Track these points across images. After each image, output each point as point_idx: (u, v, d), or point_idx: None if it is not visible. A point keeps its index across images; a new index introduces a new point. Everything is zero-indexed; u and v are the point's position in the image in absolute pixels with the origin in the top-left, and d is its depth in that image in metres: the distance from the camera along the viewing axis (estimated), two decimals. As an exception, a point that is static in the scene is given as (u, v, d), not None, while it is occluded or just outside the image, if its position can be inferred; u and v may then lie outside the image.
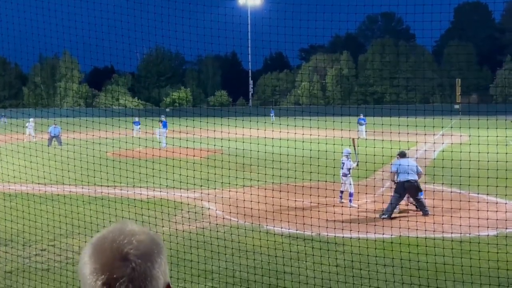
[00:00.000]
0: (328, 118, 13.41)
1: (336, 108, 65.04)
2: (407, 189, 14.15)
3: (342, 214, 13.11)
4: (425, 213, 13.96)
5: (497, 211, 11.14)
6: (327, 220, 12.28)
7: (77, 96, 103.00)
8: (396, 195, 14.17)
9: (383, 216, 13.82)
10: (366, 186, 15.66)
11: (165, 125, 32.79)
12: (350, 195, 15.75)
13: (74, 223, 12.16)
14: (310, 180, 13.99)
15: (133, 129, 39.11)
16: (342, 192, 16.01)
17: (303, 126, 12.98)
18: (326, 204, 14.48)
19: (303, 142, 13.50)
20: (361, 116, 37.77)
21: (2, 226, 12.02)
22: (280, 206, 12.61)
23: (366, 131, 35.82)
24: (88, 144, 16.97)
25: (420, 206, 14.24)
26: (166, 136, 31.26)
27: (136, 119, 41.35)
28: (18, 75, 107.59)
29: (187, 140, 12.53)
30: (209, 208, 14.75)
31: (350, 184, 15.80)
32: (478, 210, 12.42)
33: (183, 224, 12.55)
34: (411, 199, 15.04)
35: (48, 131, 34.28)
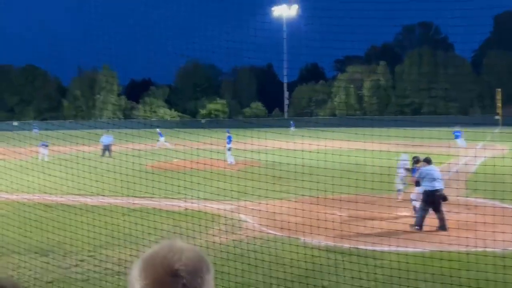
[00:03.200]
0: (365, 129, 13.30)
1: (373, 119, 64.48)
2: (436, 198, 13.76)
3: (379, 227, 12.94)
4: (443, 228, 13.45)
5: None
6: (364, 233, 12.15)
7: (115, 108, 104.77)
8: (423, 204, 13.81)
9: (416, 227, 13.54)
10: (403, 199, 15.49)
11: (229, 140, 31.22)
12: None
13: (113, 234, 12.32)
14: (348, 192, 13.87)
15: (158, 140, 39.18)
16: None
17: (350, 133, 12.89)
18: (363, 217, 14.31)
19: (339, 154, 13.41)
20: (457, 129, 36.86)
21: (43, 237, 12.26)
22: (317, 218, 12.52)
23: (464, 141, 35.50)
24: (127, 156, 17.21)
25: (441, 219, 13.70)
26: (230, 149, 29.68)
27: (158, 130, 41.56)
28: (58, 88, 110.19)
29: (218, 152, 12.57)
30: (245, 221, 14.76)
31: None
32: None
33: (219, 236, 12.58)
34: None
35: (100, 141, 33.82)
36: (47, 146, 32.03)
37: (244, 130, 23.23)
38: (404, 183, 18.03)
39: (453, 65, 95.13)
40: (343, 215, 14.07)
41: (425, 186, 13.83)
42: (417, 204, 15.06)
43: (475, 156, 26.71)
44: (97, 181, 15.43)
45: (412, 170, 15.59)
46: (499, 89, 74.56)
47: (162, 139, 40.21)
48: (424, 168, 14.17)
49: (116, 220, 12.99)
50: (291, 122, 67.51)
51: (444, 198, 13.74)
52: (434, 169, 14.08)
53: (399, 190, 17.92)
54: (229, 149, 29.27)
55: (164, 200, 16.55)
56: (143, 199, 16.45)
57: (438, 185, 13.73)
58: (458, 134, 36.00)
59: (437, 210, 13.79)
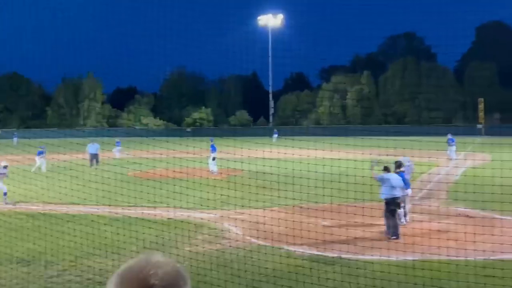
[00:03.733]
0: (348, 138, 13.37)
1: (357, 128, 64.89)
2: (394, 206, 13.86)
3: (363, 235, 12.99)
4: (397, 236, 13.51)
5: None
6: (347, 241, 12.20)
7: (99, 117, 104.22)
8: (388, 213, 13.92)
9: (393, 238, 13.58)
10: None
11: (213, 149, 30.90)
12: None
13: (95, 244, 12.24)
14: (331, 201, 13.93)
15: (113, 150, 38.46)
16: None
17: (331, 143, 12.96)
18: (347, 226, 14.36)
19: (330, 160, 13.47)
20: (450, 136, 36.94)
21: (24, 247, 12.13)
22: (300, 229, 12.55)
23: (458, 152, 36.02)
24: (110, 164, 17.12)
25: (394, 227, 13.74)
26: (214, 158, 29.22)
27: (117, 139, 40.93)
28: (42, 96, 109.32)
29: (200, 162, 12.58)
30: (228, 230, 14.73)
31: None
32: (502, 234, 12.21)
33: (204, 245, 12.54)
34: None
35: (87, 149, 33.34)
36: (43, 153, 30.95)
37: (229, 139, 23.23)
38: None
39: (436, 75, 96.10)
40: (326, 224, 14.10)
41: (384, 194, 13.91)
42: (401, 210, 15.13)
43: (456, 167, 26.96)
44: (78, 190, 15.34)
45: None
46: (481, 99, 75.43)
47: (116, 148, 39.77)
48: (385, 176, 14.24)
49: (98, 229, 12.91)
50: (274, 131, 67.52)
51: (399, 206, 13.85)
52: (393, 177, 14.15)
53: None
54: (213, 159, 29.10)
55: (147, 209, 16.47)
56: (125, 208, 16.35)
57: (396, 193, 13.84)
58: (453, 142, 36.00)
59: (394, 216, 13.90)
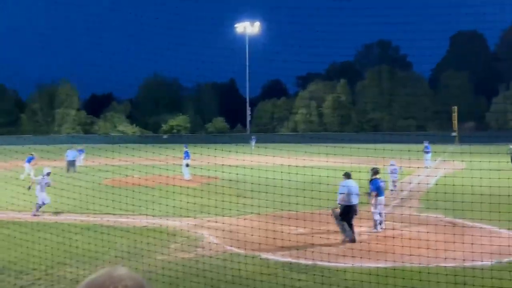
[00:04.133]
0: (327, 145, 13.43)
1: (334, 135, 65.24)
2: (351, 213, 14.00)
3: (338, 242, 13.04)
4: (353, 240, 13.71)
5: (491, 239, 11.11)
6: (323, 248, 12.23)
7: (75, 123, 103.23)
8: (340, 218, 14.04)
9: (347, 239, 13.70)
10: (368, 211, 15.67)
11: (187, 155, 30.82)
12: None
13: (66, 253, 12.07)
14: (311, 207, 13.95)
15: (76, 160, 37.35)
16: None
17: (305, 152, 13.00)
18: (323, 233, 14.41)
19: (304, 168, 13.50)
20: (426, 144, 37.22)
21: (-4, 255, 11.92)
22: (276, 235, 12.53)
23: (434, 160, 36.45)
24: (86, 171, 16.95)
25: (349, 232, 13.95)
26: (188, 165, 29.18)
27: (79, 147, 40.35)
28: (16, 102, 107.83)
29: (174, 170, 12.53)
30: (205, 236, 14.66)
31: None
32: (473, 242, 12.36)
33: (178, 253, 12.45)
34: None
35: (66, 156, 33.08)
36: (33, 159, 30.41)
37: (206, 146, 23.17)
38: (395, 185, 22.83)
39: (411, 83, 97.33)
40: (300, 231, 14.12)
41: (343, 200, 14.02)
42: (377, 217, 15.26)
43: (429, 176, 27.26)
44: (55, 195, 15.15)
45: (370, 182, 15.69)
46: (455, 107, 76.49)
47: (79, 156, 39.33)
48: (343, 183, 14.33)
49: (70, 239, 12.75)
50: (252, 138, 67.56)
51: (356, 213, 14.01)
52: (352, 184, 14.28)
53: (392, 190, 22.01)
54: (187, 165, 28.96)
55: (120, 217, 16.31)
56: (98, 216, 16.18)
57: (354, 200, 13.98)
58: (429, 149, 36.33)
59: (349, 223, 14.07)
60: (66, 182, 15.05)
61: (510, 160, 32.55)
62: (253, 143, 63.55)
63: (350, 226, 14.10)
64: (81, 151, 39.83)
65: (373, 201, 15.47)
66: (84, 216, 15.60)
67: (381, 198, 15.57)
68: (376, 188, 15.45)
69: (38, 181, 17.77)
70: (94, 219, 15.54)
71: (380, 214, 15.43)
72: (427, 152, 35.98)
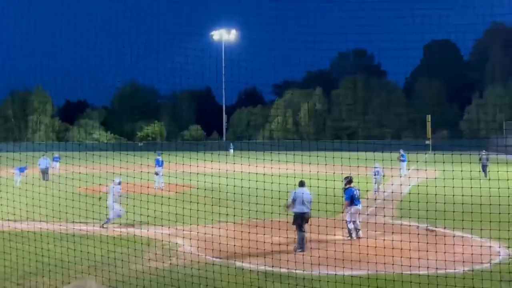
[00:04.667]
0: (302, 153, 13.49)
1: (310, 143, 65.55)
2: (303, 220, 14.06)
3: (312, 251, 13.07)
4: (302, 249, 13.81)
5: (464, 247, 11.24)
6: (299, 256, 12.25)
7: (49, 130, 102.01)
8: (296, 227, 14.12)
9: (299, 250, 13.74)
10: (342, 220, 15.74)
11: (159, 163, 30.61)
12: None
13: (44, 260, 11.90)
14: (286, 215, 13.98)
15: (52, 167, 36.94)
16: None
17: (279, 161, 13.03)
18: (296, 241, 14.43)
19: (279, 176, 13.53)
20: (402, 152, 37.60)
21: (-33, 265, 11.69)
22: (252, 243, 12.52)
23: (408, 169, 37.03)
24: (60, 179, 16.73)
25: (301, 241, 14.06)
26: (162, 175, 29.50)
27: (56, 154, 39.90)
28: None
29: (148, 180, 12.43)
30: (181, 245, 14.58)
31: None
32: (445, 250, 12.50)
33: (152, 262, 12.35)
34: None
35: (38, 164, 32.78)
36: (23, 170, 30.28)
37: (181, 153, 23.08)
38: (378, 187, 26.11)
39: (386, 92, 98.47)
40: (276, 239, 14.14)
41: (295, 208, 14.09)
42: (351, 225, 15.36)
43: (402, 184, 27.52)
44: (26, 204, 14.91)
45: (344, 191, 15.78)
46: (429, 115, 77.54)
47: (54, 163, 38.96)
48: (297, 191, 14.36)
49: (48, 245, 12.56)
50: (230, 145, 67.69)
51: (306, 221, 14.08)
52: (306, 192, 14.34)
53: (375, 191, 25.51)
54: (156, 173, 28.77)
55: (95, 226, 16.13)
56: (75, 223, 15.99)
57: (305, 208, 14.04)
58: (404, 157, 36.71)
59: (300, 231, 14.11)
60: (38, 191, 14.83)
61: (480, 169, 33.14)
62: (231, 150, 63.76)
63: (302, 234, 14.10)
64: (56, 158, 39.30)
65: (346, 210, 15.53)
66: (57, 225, 15.38)
67: (356, 207, 15.61)
68: (349, 197, 15.52)
69: (109, 191, 17.12)
70: (67, 228, 15.34)
71: (355, 222, 15.49)
72: (402, 161, 36.38)
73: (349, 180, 15.80)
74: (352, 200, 15.50)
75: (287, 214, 14.32)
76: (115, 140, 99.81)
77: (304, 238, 14.02)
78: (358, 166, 12.53)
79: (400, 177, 33.04)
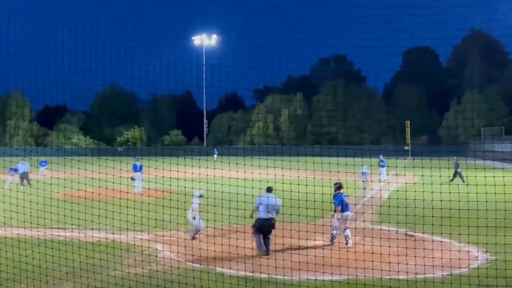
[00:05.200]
0: (283, 158, 13.50)
1: (291, 148, 65.72)
2: (265, 227, 14.07)
3: (293, 256, 13.07)
4: (267, 253, 13.86)
5: (442, 252, 11.35)
6: (280, 262, 12.26)
7: (27, 135, 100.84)
8: (255, 231, 14.14)
9: (263, 252, 13.77)
10: (323, 225, 15.77)
11: (136, 168, 30.20)
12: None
13: (21, 266, 11.74)
14: (251, 218, 13.96)
15: (37, 172, 36.53)
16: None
17: (259, 166, 13.03)
18: (281, 246, 14.44)
19: (259, 181, 13.53)
20: (381, 158, 37.92)
21: None
22: (232, 248, 12.49)
23: (387, 174, 37.37)
24: (38, 184, 16.53)
25: (267, 244, 14.09)
26: (141, 180, 29.15)
27: (43, 158, 39.69)
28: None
29: (127, 185, 12.36)
30: (161, 251, 14.49)
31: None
32: (424, 254, 12.61)
33: (131, 268, 12.25)
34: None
35: (16, 168, 32.44)
36: (17, 171, 30.45)
37: (161, 158, 22.98)
38: (365, 187, 29.49)
39: (366, 97, 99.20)
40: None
41: (259, 214, 14.11)
42: (336, 231, 15.31)
43: (381, 190, 27.71)
44: (4, 210, 14.71)
45: (334, 197, 15.66)
46: (408, 121, 78.29)
47: (41, 168, 38.57)
48: (263, 196, 14.33)
49: (25, 251, 12.39)
50: (214, 150, 67.67)
51: (272, 227, 14.10)
52: (272, 198, 14.35)
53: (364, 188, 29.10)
54: (132, 179, 28.50)
55: (74, 231, 15.94)
56: (54, 229, 15.80)
57: (270, 214, 14.06)
58: (384, 163, 37.06)
59: (266, 237, 14.16)
60: (16, 196, 14.64)
61: (452, 175, 33.66)
62: (215, 156, 63.77)
63: (267, 240, 14.10)
64: (43, 163, 38.78)
65: (337, 216, 15.43)
66: (35, 230, 15.18)
67: (347, 214, 15.50)
68: (339, 203, 15.40)
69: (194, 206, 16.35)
70: (45, 233, 15.15)
71: (345, 230, 15.34)
72: (382, 166, 36.73)
73: (338, 186, 15.69)
74: (342, 206, 15.44)
75: (251, 217, 14.30)
76: (95, 145, 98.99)
77: (261, 242, 13.99)
78: (338, 172, 12.60)
79: (380, 182, 33.27)
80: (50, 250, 12.61)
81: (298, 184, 14.22)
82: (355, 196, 24.58)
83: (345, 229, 15.32)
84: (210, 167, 13.53)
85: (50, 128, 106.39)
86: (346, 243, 15.08)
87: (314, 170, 14.93)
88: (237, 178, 13.72)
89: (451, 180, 31.51)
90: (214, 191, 13.51)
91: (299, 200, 13.21)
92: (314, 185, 12.52)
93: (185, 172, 13.76)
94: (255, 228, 14.12)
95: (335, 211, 15.58)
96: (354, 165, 14.25)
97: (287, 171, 13.93)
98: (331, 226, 15.63)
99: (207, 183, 13.51)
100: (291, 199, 14.31)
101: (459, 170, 33.63)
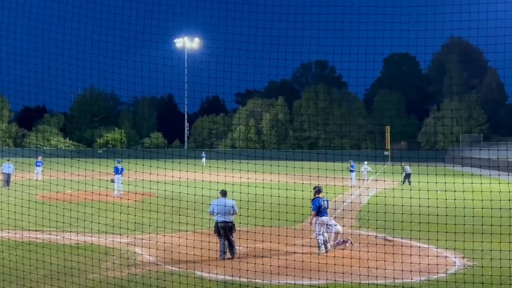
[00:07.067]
0: (264, 161, 13.52)
1: (272, 152, 65.84)
2: (222, 229, 14.09)
3: (274, 260, 13.09)
4: (233, 256, 13.92)
5: (420, 257, 11.45)
6: (261, 266, 12.26)
7: (5, 136, 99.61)
8: (218, 236, 14.20)
9: (222, 257, 13.79)
10: (302, 230, 15.82)
11: (117, 171, 30.30)
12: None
13: (-4, 270, 11.59)
14: (246, 224, 14.00)
15: (35, 172, 35.46)
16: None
17: (240, 170, 13.05)
18: (263, 250, 14.45)
19: (240, 185, 13.53)
20: (352, 163, 38.44)
21: None
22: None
23: (361, 179, 38.69)
24: (16, 186, 16.34)
25: (232, 247, 14.11)
26: (121, 183, 28.61)
27: (39, 158, 38.82)
28: None
29: (107, 188, 12.29)
30: (140, 254, 14.40)
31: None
32: (402, 261, 12.71)
33: (110, 272, 12.16)
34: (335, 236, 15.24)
35: (1, 169, 32.38)
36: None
37: (142, 161, 22.87)
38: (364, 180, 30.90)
39: (347, 102, 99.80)
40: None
41: (216, 217, 14.16)
42: (321, 237, 15.22)
43: (360, 195, 27.89)
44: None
45: (312, 201, 15.50)
46: (388, 126, 78.95)
47: (39, 169, 38.00)
48: (217, 201, 14.30)
49: (2, 254, 12.24)
50: (203, 153, 67.29)
51: (231, 229, 14.13)
52: (227, 201, 14.37)
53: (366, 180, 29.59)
54: (112, 181, 28.29)
55: (52, 234, 15.80)
56: (31, 231, 15.63)
57: (227, 218, 14.12)
58: (353, 168, 37.61)
59: (228, 239, 14.14)
60: (7, 194, 14.46)
61: (402, 180, 34.44)
62: (203, 159, 63.40)
63: (231, 243, 14.12)
64: (39, 163, 37.81)
65: (313, 221, 15.29)
66: (12, 232, 15.01)
67: (323, 218, 15.34)
68: (316, 207, 15.21)
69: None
70: (22, 236, 14.98)
71: (323, 234, 15.20)
72: (351, 171, 37.45)
73: (317, 190, 15.49)
74: (319, 210, 15.28)
75: (209, 219, 14.27)
76: (74, 147, 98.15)
77: (224, 246, 13.98)
78: (318, 176, 12.66)
79: (351, 187, 33.54)
80: (27, 252, 12.47)
81: (279, 188, 14.25)
82: (335, 201, 24.70)
83: (322, 234, 15.16)
84: (191, 170, 13.50)
85: (29, 129, 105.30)
86: (325, 248, 14.95)
87: (294, 174, 14.94)
88: (217, 182, 13.72)
89: (403, 183, 32.59)
90: (194, 194, 13.48)
91: (279, 204, 13.24)
92: (295, 189, 12.56)
93: (165, 175, 13.71)
94: (215, 231, 14.11)
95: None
96: (334, 170, 14.31)
97: (268, 175, 13.94)
98: (311, 231, 15.64)
99: (187, 186, 13.47)
100: (271, 203, 14.35)
101: (408, 174, 34.40)
